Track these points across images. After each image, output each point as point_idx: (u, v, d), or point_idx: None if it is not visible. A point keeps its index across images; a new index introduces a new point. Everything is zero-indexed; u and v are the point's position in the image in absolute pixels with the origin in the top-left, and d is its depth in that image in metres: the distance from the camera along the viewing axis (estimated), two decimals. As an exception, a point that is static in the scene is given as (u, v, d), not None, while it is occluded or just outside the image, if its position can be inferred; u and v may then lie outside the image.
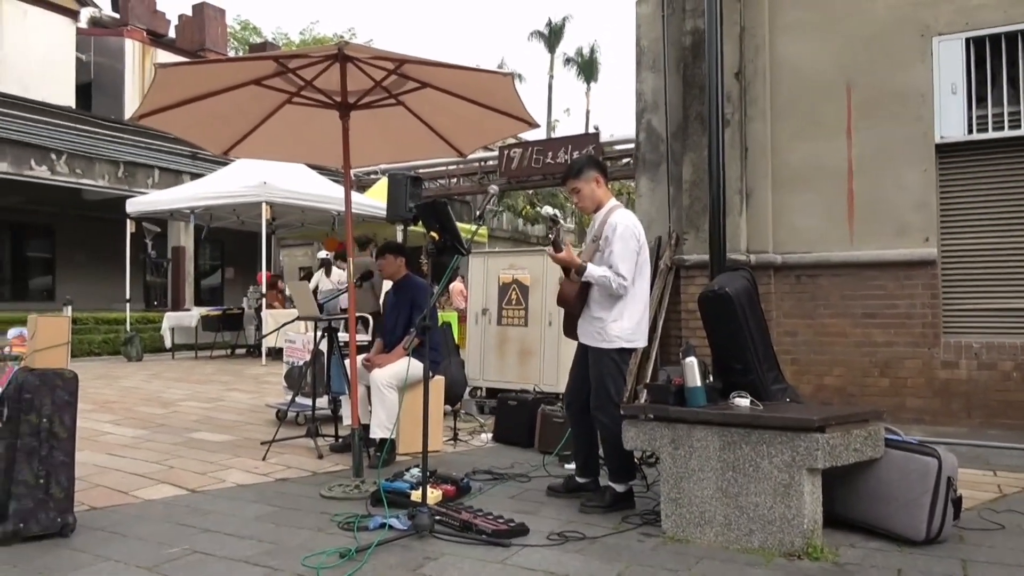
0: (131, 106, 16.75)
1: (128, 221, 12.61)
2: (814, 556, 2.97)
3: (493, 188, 4.02)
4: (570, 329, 3.95)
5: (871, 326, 5.95)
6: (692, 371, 3.33)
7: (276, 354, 10.53)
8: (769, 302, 6.10)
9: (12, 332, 9.87)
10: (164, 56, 18.29)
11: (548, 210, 3.76)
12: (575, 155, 13.97)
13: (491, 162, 15.58)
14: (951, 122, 5.76)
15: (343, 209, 5.13)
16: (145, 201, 12.85)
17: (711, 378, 3.48)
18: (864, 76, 6.03)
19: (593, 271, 3.67)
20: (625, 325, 3.74)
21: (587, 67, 35.88)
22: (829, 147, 6.12)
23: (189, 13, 21.13)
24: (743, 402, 3.31)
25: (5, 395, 3.28)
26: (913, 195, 5.85)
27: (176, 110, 4.36)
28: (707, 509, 3.21)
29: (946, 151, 5.83)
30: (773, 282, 6.26)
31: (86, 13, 19.20)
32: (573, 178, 3.86)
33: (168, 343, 12.44)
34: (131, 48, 17.81)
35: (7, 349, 9.46)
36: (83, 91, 17.24)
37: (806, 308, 6.18)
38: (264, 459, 4.82)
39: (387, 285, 11.71)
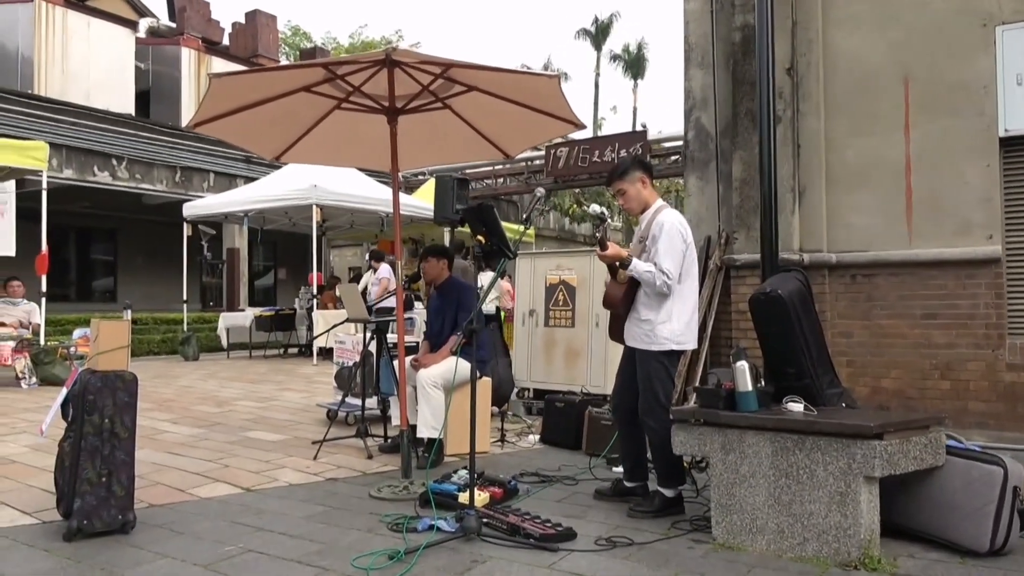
0: (187, 112, 17.24)
1: (185, 224, 12.98)
2: (871, 567, 2.89)
3: (540, 191, 4.01)
4: (616, 332, 3.92)
5: (931, 327, 5.76)
6: (743, 375, 3.27)
7: (326, 354, 10.71)
8: (823, 302, 5.96)
9: (77, 333, 10.23)
10: (219, 63, 18.77)
11: (595, 208, 3.73)
12: (622, 153, 13.88)
13: (537, 161, 15.58)
14: (1016, 115, 5.53)
15: (391, 210, 5.18)
16: (201, 205, 13.21)
17: (763, 382, 3.41)
18: (922, 69, 5.84)
19: (638, 265, 3.64)
20: (674, 326, 3.69)
21: (634, 64, 35.56)
22: (886, 143, 5.93)
23: (242, 21, 21.63)
24: (797, 407, 3.24)
25: (71, 396, 3.40)
26: (975, 191, 5.63)
27: (230, 118, 4.46)
28: (759, 516, 3.14)
29: (1011, 145, 5.60)
30: (827, 282, 6.10)
31: (144, 23, 19.85)
32: (618, 179, 3.84)
33: (224, 342, 12.76)
34: (187, 56, 18.33)
35: (73, 348, 9.78)
36: (142, 99, 17.80)
37: (862, 308, 6.01)
38: (315, 459, 4.91)
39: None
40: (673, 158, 14.02)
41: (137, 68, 17.71)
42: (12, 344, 8.46)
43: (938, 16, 5.81)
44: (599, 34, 35.48)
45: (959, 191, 5.70)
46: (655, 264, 3.64)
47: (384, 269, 11.40)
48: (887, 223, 5.93)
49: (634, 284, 3.74)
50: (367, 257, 13.38)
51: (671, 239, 3.65)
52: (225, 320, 12.90)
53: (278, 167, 13.03)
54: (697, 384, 6.07)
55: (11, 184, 9.98)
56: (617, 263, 3.71)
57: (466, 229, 5.04)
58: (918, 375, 5.79)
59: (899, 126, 5.90)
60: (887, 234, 5.93)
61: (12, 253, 10.64)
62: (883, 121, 5.96)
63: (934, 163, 5.78)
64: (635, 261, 3.65)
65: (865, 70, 6.07)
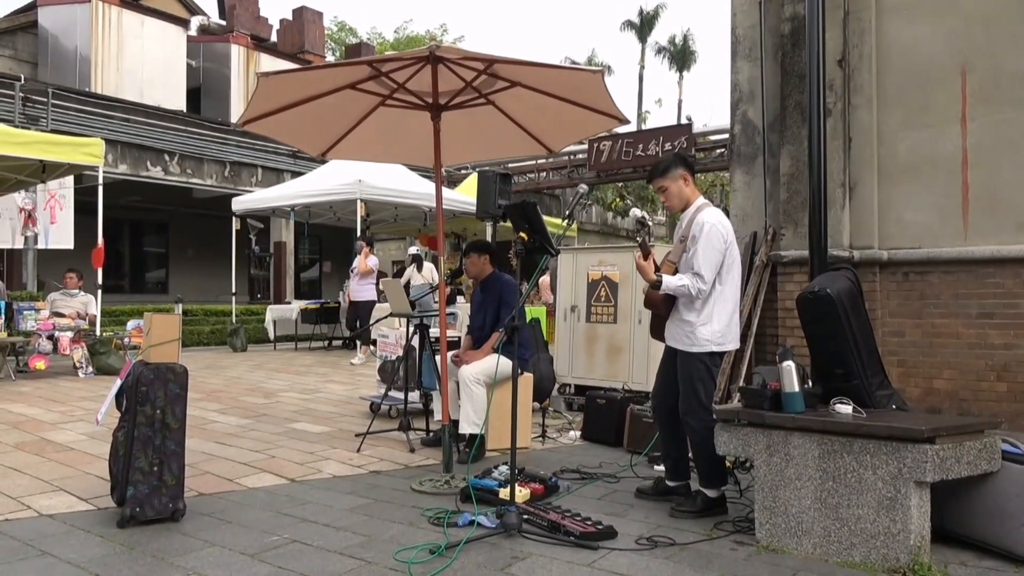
0: (236, 108, 17.57)
1: (233, 218, 13.26)
2: (921, 573, 2.82)
3: (583, 187, 4.00)
4: (657, 331, 3.90)
5: (987, 327, 5.57)
6: (790, 375, 3.21)
7: (372, 345, 10.84)
8: (874, 300, 5.82)
9: (131, 324, 10.49)
10: (267, 60, 19.09)
11: (636, 213, 3.70)
12: (666, 147, 13.72)
13: (580, 155, 15.49)
14: (1082, 106, 5.31)
15: (434, 205, 5.22)
16: (249, 199, 13.47)
17: (810, 383, 3.35)
18: (982, 59, 5.64)
19: (669, 283, 3.62)
20: (715, 327, 3.65)
21: (680, 56, 35.10)
22: (941, 136, 5.76)
23: (289, 17, 21.96)
24: (845, 409, 3.17)
25: (124, 387, 3.51)
26: (1037, 186, 5.43)
27: (277, 115, 4.54)
28: (804, 519, 3.09)
29: (1076, 138, 5.38)
30: (878, 280, 5.96)
31: (196, 21, 20.30)
32: (660, 177, 3.80)
33: (271, 334, 13.02)
34: (236, 53, 18.68)
35: (127, 339, 10.05)
36: (193, 95, 18.20)
37: (914, 307, 5.86)
38: (359, 451, 4.98)
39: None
40: (719, 152, 13.80)
41: (188, 65, 18.12)
42: (70, 335, 8.77)
43: (1000, 4, 5.61)
44: (644, 26, 35.10)
45: (1020, 186, 5.50)
46: (691, 268, 3.60)
47: (370, 259, 10.95)
48: (942, 219, 5.76)
49: None
50: (408, 253, 13.50)
51: (710, 241, 3.60)
52: (272, 312, 13.15)
53: (324, 163, 13.22)
54: (742, 383, 6.00)
55: (69, 179, 10.33)
56: (649, 284, 3.69)
57: (508, 225, 5.05)
58: (973, 376, 5.62)
59: (956, 118, 5.72)
60: (942, 230, 5.76)
61: (71, 246, 10.99)
62: (939, 113, 5.78)
63: (993, 157, 5.58)
64: (665, 280, 3.63)
65: (920, 61, 5.89)
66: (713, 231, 3.62)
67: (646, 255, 3.66)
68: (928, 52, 5.86)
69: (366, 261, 10.89)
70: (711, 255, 3.60)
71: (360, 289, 10.95)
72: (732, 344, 3.78)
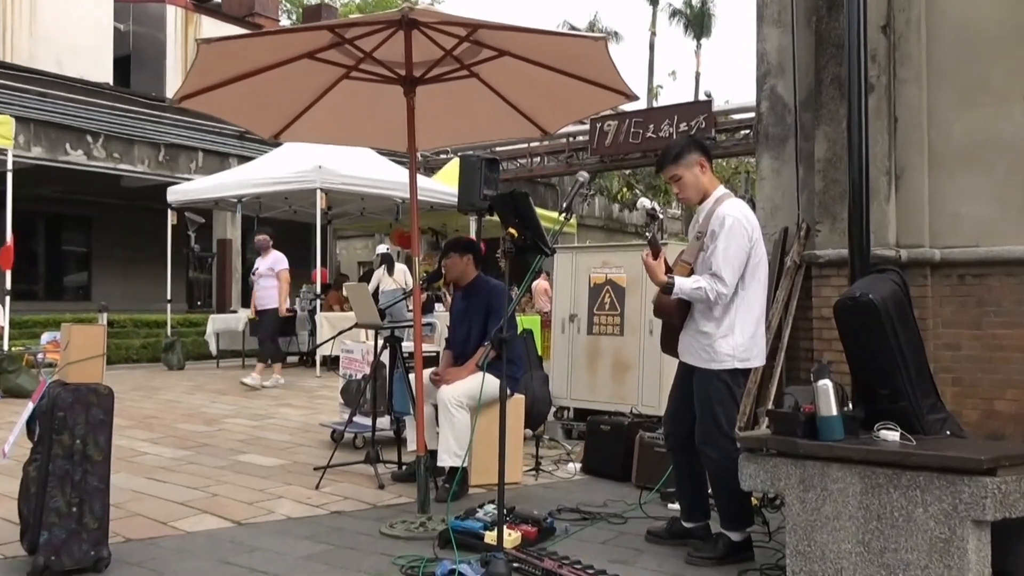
0: (173, 80, 17.54)
1: (169, 211, 13.21)
2: (981, 629, 2.83)
3: (582, 175, 4.01)
4: (670, 344, 3.91)
5: (1057, 339, 5.62)
6: (826, 396, 3.23)
7: (332, 363, 10.82)
8: (924, 308, 5.86)
9: (45, 337, 10.42)
10: (209, 24, 19.07)
11: (644, 203, 3.72)
12: (681, 128, 13.80)
13: (581, 138, 15.56)
14: None
15: (408, 196, 5.22)
16: (188, 189, 13.43)
17: (850, 405, 3.37)
18: (1049, 26, 5.70)
19: (683, 286, 3.63)
20: (737, 340, 3.67)
21: (697, 21, 35.25)
22: (1002, 116, 5.80)
23: (236, -27, 21.96)
24: (891, 435, 3.19)
25: (38, 412, 3.48)
26: (1115, 174, 5.49)
27: (221, 90, 4.52)
28: (844, 566, 3.11)
29: None
30: (930, 283, 6.00)
31: (124, -23, 20.25)
32: (672, 164, 3.82)
33: (214, 349, 12.96)
34: (173, 16, 18.66)
35: (41, 355, 9.98)
36: (121, 65, 18.15)
37: (971, 315, 5.90)
38: (317, 487, 4.96)
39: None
40: (743, 133, 13.89)
41: (116, 30, 18.08)
42: (-29, 350, 8.70)
43: (1069, -39, 5.67)
44: (655, -15, 35.25)
45: (1094, 174, 5.55)
46: (708, 269, 3.62)
47: (274, 257, 10.37)
48: (1003, 212, 5.81)
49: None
50: (377, 253, 13.49)
51: (732, 238, 3.62)
52: (215, 323, 13.10)
53: (277, 146, 13.20)
54: (770, 406, 6.01)
55: (-29, 165, 10.24)
56: (659, 288, 3.70)
57: (495, 219, 5.06)
58: (1041, 397, 5.66)
59: (1020, 95, 5.77)
60: (1003, 226, 5.80)
61: (-30, 243, 10.88)
62: (999, 90, 5.83)
63: (1063, 140, 5.64)
64: (678, 282, 3.64)
65: (978, 29, 5.94)
66: (735, 226, 3.64)
67: (656, 253, 3.68)
68: (987, 19, 5.91)
69: (270, 268, 10.26)
70: (733, 254, 3.62)
71: (265, 295, 10.35)
72: (758, 360, 3.79)
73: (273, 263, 10.38)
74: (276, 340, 10.69)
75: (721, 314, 3.68)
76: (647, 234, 3.72)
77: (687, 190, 3.83)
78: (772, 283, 6.20)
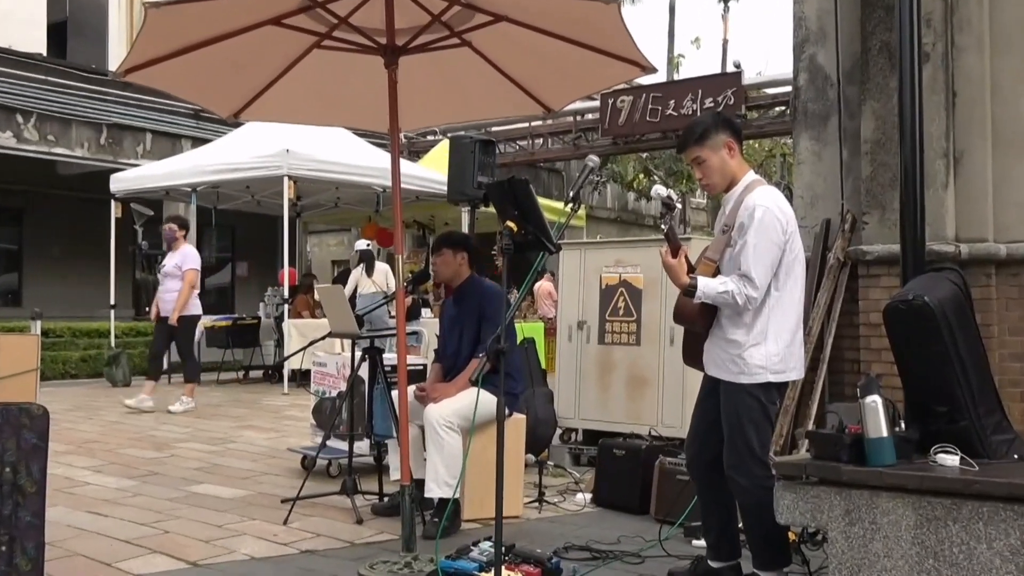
0: (116, 51, 17.49)
1: (113, 202, 13.21)
2: None
3: (592, 160, 4.01)
4: (693, 355, 3.91)
5: None
6: (875, 414, 3.23)
7: (302, 378, 10.81)
8: (988, 312, 5.87)
9: (-31, 349, 10.36)
10: (158, -16, 19.02)
11: (659, 190, 3.73)
12: (706, 105, 13.80)
13: (590, 116, 15.57)
14: None
15: (389, 184, 5.22)
16: (134, 176, 13.43)
17: (903, 424, 3.37)
18: None
19: (707, 288, 3.63)
20: (771, 349, 3.68)
21: (724, -20, 35.30)
22: (1079, 89, 5.82)
23: (190, -74, 21.96)
24: (950, 460, 3.19)
25: (-40, 436, 3.49)
26: None
27: (172, 61, 4.52)
28: (896, 611, 3.11)
29: None
30: (994, 283, 6.02)
31: (60, -69, 20.23)
32: (695, 144, 3.82)
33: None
34: (116, -25, 18.62)
35: (-36, 371, 9.95)
36: (56, 33, 18.10)
37: (1044, 321, 5.91)
38: (286, 523, 4.96)
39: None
40: (778, 110, 13.91)
41: (50, -8, 18.06)
42: None
43: None
44: (676, -61, 35.29)
45: None
46: (737, 268, 3.62)
47: (184, 253, 9.83)
48: (1080, 202, 5.83)
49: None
50: (355, 250, 13.50)
51: (764, 232, 3.62)
52: (166, 332, 13.08)
53: (238, 126, 13.21)
54: (811, 427, 6.02)
55: None
56: (680, 290, 3.71)
57: (491, 210, 5.06)
58: (1124, 415, 5.67)
59: (1098, 65, 5.79)
60: (1080, 217, 5.82)
61: None
62: (1075, 59, 5.85)
63: None
64: (701, 284, 3.64)
65: (1049, -12, 5.96)
66: (768, 218, 3.65)
67: (675, 250, 3.68)
68: (1060, -25, 5.93)
69: (176, 266, 9.69)
70: (765, 250, 3.63)
71: (170, 299, 9.71)
72: (795, 372, 3.79)
73: (182, 260, 9.76)
74: (191, 355, 10.08)
75: (752, 319, 3.68)
76: (663, 227, 3.72)
77: (712, 175, 3.84)
78: (812, 284, 6.21)
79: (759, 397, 3.68)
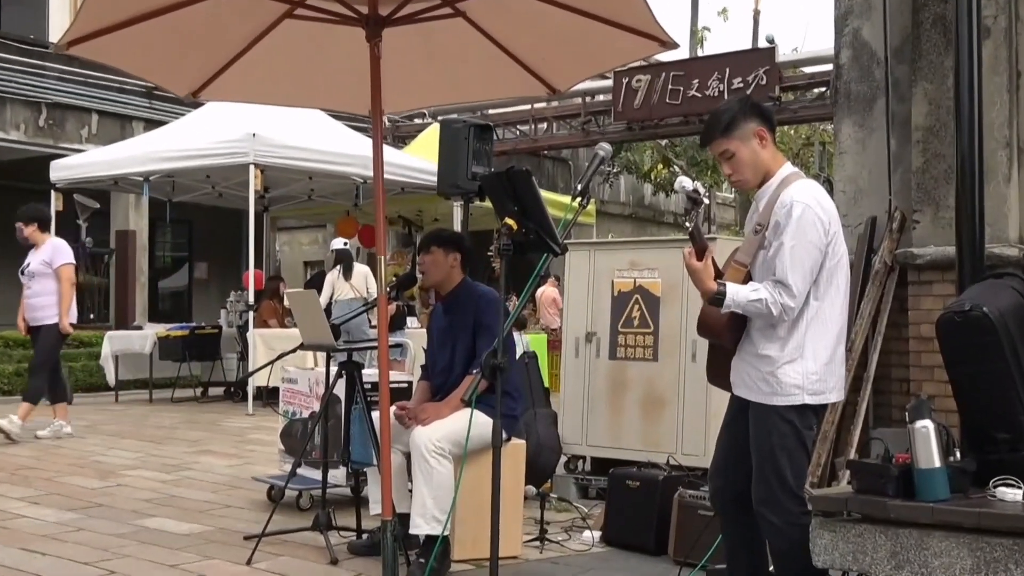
0: (58, 21, 17.49)
1: (53, 193, 13.18)
2: None
3: (603, 148, 4.02)
4: (719, 372, 3.91)
5: None
6: (927, 442, 3.24)
7: (269, 396, 10.79)
8: (1057, 325, 5.88)
9: None
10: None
11: (684, 183, 3.71)
12: (735, 86, 13.83)
13: (602, 97, 15.62)
14: None
15: (371, 174, 5.24)
16: (78, 163, 13.43)
17: (958, 453, 3.38)
18: None
19: (738, 296, 3.61)
20: (809, 367, 3.67)
21: (756, -58, 35.40)
22: None
23: None
24: (1011, 494, 3.20)
25: None
26: None
27: (122, 32, 4.52)
28: (950, 668, 3.11)
29: None
30: (1064, 292, 6.02)
31: None
32: (722, 136, 3.80)
33: (111, 378, 12.93)
34: (58, -67, 18.65)
35: None
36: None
37: (1121, 336, 5.93)
38: (250, 563, 4.95)
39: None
40: (817, 92, 13.96)
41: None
42: None
43: None
44: None
45: None
46: (771, 274, 3.61)
47: (53, 247, 9.27)
48: None
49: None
50: (331, 250, 13.48)
51: (802, 232, 3.62)
52: (112, 342, 13.04)
53: (198, 107, 13.21)
54: (852, 455, 6.01)
55: None
56: (705, 298, 3.69)
57: (487, 205, 5.07)
58: None
59: None
60: None
61: None
62: None
63: None
64: (730, 291, 3.60)
65: None
66: (807, 217, 3.64)
67: (701, 252, 3.68)
68: None
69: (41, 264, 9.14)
70: (803, 253, 3.63)
71: (40, 304, 9.13)
72: (835, 394, 3.80)
73: (51, 255, 9.13)
74: (55, 370, 9.55)
75: (787, 333, 3.68)
76: (687, 225, 3.71)
77: (743, 170, 3.82)
78: (855, 291, 6.21)
79: (793, 421, 3.68)
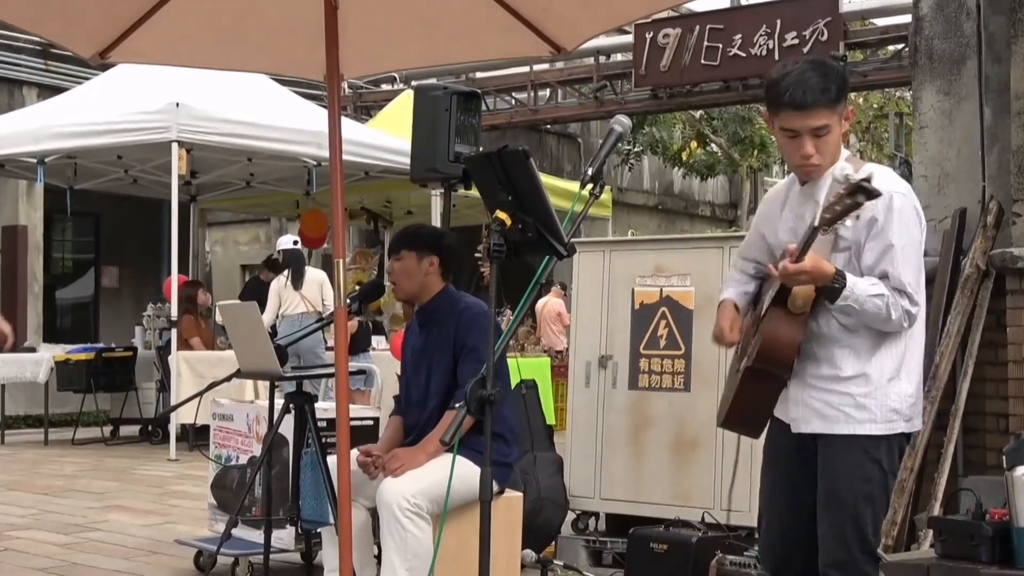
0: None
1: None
2: None
3: (621, 122, 4.03)
4: (751, 413, 3.90)
5: None
6: (1029, 495, 3.26)
7: (197, 436, 10.79)
8: None
9: None
10: None
11: (846, 170, 3.46)
12: (787, 41, 13.84)
13: (620, 57, 15.66)
14: None
15: (326, 155, 5.24)
16: (-49, 141, 13.45)
17: (1068, 508, 3.40)
18: None
19: (858, 289, 3.54)
20: (905, 388, 3.69)
21: None
22: None
23: None
24: None
25: None
26: None
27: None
28: None
29: None
30: None
31: None
32: (831, 105, 3.63)
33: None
34: None
35: None
36: None
37: None
38: (173, 649, 4.98)
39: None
40: (891, 50, 14.00)
41: None
42: None
43: None
44: None
45: None
46: (884, 279, 3.60)
47: None
48: None
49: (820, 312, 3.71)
50: (277, 250, 13.47)
51: (907, 228, 3.62)
52: (-1, 369, 13.07)
53: (106, 69, 13.23)
54: (937, 510, 6.02)
55: None
56: (815, 288, 3.62)
57: (474, 194, 5.08)
58: None
59: None
60: None
61: None
62: None
63: None
64: (851, 283, 3.52)
65: None
66: (908, 208, 3.65)
67: (801, 253, 3.47)
68: None
69: None
70: (915, 253, 3.66)
71: None
72: (919, 420, 3.84)
73: None
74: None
75: (887, 347, 3.68)
76: (847, 223, 3.43)
77: (829, 153, 3.73)
78: (939, 302, 6.23)
79: (881, 461, 3.67)
